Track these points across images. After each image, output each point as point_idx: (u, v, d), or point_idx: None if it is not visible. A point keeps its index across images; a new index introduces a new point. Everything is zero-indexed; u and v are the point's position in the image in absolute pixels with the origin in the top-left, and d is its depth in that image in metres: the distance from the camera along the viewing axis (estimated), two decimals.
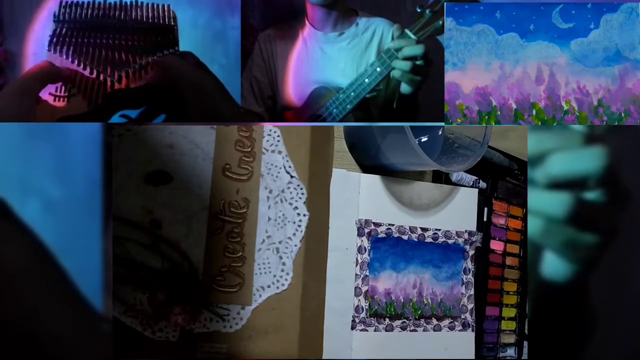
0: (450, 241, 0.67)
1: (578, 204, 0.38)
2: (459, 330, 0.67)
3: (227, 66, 0.54)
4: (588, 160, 0.38)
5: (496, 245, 0.71)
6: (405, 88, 0.58)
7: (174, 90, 0.44)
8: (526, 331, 0.73)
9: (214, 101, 0.44)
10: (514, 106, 0.50)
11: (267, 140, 0.56)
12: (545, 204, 0.38)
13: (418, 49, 0.55)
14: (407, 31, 0.56)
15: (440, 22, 0.53)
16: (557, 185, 0.39)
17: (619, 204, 0.39)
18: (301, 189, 0.57)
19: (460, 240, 0.67)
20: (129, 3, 0.51)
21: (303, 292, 0.56)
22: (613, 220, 0.39)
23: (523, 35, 0.50)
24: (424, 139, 0.65)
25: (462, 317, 0.67)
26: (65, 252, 0.38)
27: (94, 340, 0.37)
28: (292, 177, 0.57)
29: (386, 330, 0.62)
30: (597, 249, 0.39)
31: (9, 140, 0.39)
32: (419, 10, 0.55)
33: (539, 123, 0.50)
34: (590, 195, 0.38)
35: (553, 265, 0.39)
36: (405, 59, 0.56)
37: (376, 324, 0.61)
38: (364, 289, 0.61)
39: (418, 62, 0.56)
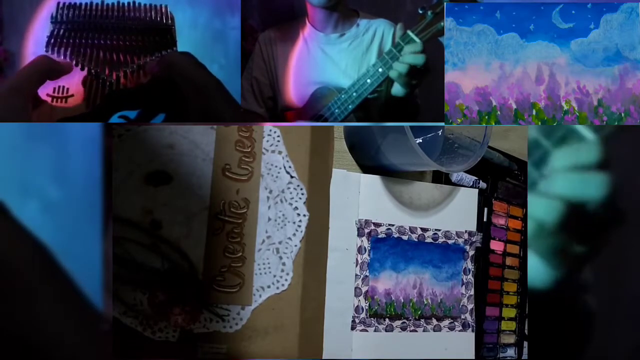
0: (450, 241, 0.67)
1: (572, 214, 0.37)
2: (459, 331, 0.66)
3: (227, 66, 0.54)
4: (593, 185, 0.37)
5: (496, 246, 0.71)
6: (397, 89, 0.58)
7: (174, 87, 0.44)
8: (526, 331, 0.73)
9: (214, 101, 0.44)
10: (514, 106, 0.50)
11: (267, 141, 0.56)
12: (538, 208, 0.38)
13: (420, 59, 0.55)
14: (409, 32, 0.56)
15: (442, 24, 0.53)
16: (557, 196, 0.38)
17: (617, 217, 0.38)
18: (301, 189, 0.57)
19: (460, 241, 0.67)
20: (126, 4, 0.51)
21: (303, 293, 0.56)
22: (606, 229, 0.38)
23: (523, 35, 0.50)
24: (419, 141, 0.65)
25: (462, 317, 0.67)
26: (65, 252, 0.38)
27: (94, 340, 0.37)
28: (292, 177, 0.57)
29: (386, 331, 0.62)
30: (585, 259, 0.38)
31: (8, 140, 0.39)
32: (420, 12, 0.55)
33: (539, 123, 0.50)
34: (587, 209, 0.37)
35: (536, 271, 0.39)
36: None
37: (376, 325, 0.61)
38: (364, 289, 0.61)
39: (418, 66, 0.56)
